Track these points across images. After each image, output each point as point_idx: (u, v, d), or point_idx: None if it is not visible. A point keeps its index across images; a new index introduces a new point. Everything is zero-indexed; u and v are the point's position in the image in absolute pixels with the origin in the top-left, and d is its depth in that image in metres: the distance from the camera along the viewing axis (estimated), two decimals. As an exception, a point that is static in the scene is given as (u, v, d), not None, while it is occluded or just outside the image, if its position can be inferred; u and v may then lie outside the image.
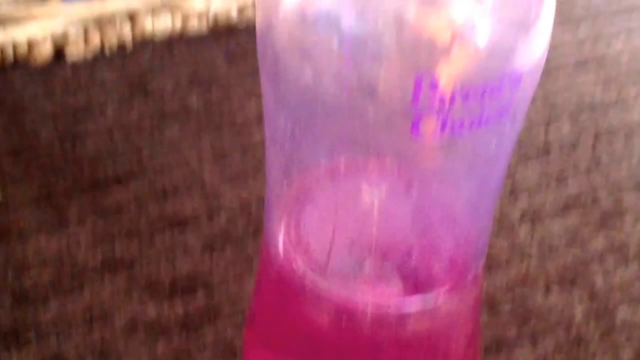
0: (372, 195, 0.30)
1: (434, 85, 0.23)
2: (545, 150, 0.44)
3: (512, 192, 0.42)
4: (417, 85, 0.23)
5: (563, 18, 0.54)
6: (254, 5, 0.52)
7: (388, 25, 0.24)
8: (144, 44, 0.50)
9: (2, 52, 0.47)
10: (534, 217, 0.41)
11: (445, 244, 0.31)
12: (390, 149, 0.27)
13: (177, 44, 0.50)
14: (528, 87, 0.26)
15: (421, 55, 0.24)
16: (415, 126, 0.24)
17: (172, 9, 0.50)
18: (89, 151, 0.43)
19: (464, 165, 0.28)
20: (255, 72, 0.47)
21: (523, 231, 0.40)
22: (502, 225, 0.40)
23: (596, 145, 0.45)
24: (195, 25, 0.51)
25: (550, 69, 0.49)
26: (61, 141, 0.43)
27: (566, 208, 0.42)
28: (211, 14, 0.51)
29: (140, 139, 0.44)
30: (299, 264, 0.30)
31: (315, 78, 0.25)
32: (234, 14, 0.51)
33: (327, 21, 0.24)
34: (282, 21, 0.25)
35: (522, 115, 0.27)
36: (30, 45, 0.47)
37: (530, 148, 0.44)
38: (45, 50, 0.47)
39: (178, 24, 0.50)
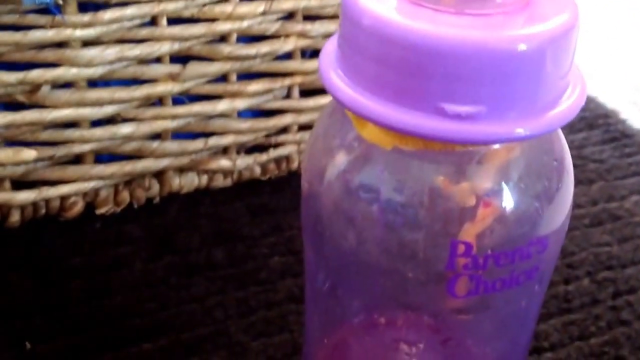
0: (407, 349, 0.32)
1: (467, 250, 0.26)
2: (566, 307, 0.47)
3: (535, 348, 0.44)
4: (452, 250, 0.26)
5: (576, 180, 0.57)
6: (276, 162, 0.55)
7: (424, 195, 0.27)
8: (170, 199, 0.53)
9: (35, 209, 0.50)
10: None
11: None
12: (426, 307, 0.30)
13: (202, 199, 0.54)
14: (553, 249, 0.29)
15: (456, 222, 0.27)
16: (450, 287, 0.27)
17: (198, 168, 0.53)
18: (117, 306, 0.45)
19: (495, 322, 0.31)
20: (278, 227, 0.50)
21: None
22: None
23: (616, 303, 0.47)
24: (220, 181, 0.54)
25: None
26: (89, 296, 0.46)
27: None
28: (236, 171, 0.54)
29: (166, 293, 0.46)
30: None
31: (356, 242, 0.28)
32: (257, 170, 0.55)
33: (368, 192, 0.28)
34: (326, 190, 0.28)
35: (549, 274, 0.30)
36: (63, 201, 0.50)
37: (551, 305, 0.46)
38: (76, 207, 0.51)
39: (204, 181, 0.54)
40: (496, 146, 0.26)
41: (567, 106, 0.25)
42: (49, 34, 0.45)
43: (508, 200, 0.27)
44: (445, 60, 0.24)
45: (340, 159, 0.28)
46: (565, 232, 0.29)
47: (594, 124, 0.64)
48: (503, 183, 0.27)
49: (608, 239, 0.52)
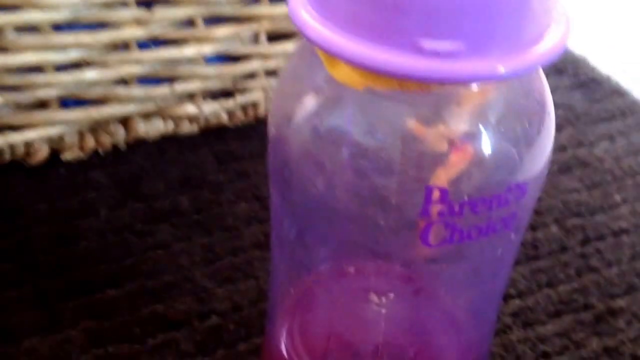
0: (377, 299, 0.30)
1: (443, 197, 0.24)
2: (534, 254, 0.45)
3: (503, 296, 0.42)
4: (427, 197, 0.24)
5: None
6: (242, 109, 0.53)
7: (397, 139, 0.25)
8: (136, 146, 0.51)
9: (-1, 154, 0.48)
10: (526, 320, 0.42)
11: (449, 349, 0.32)
12: (398, 256, 0.28)
13: (168, 145, 0.51)
14: (532, 195, 0.27)
15: (430, 167, 0.25)
16: (424, 236, 0.25)
17: (164, 114, 0.51)
18: (82, 252, 0.43)
19: (469, 271, 0.29)
20: (244, 174, 0.49)
21: (515, 335, 0.41)
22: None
23: (585, 250, 0.46)
24: (186, 128, 0.52)
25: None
26: (55, 242, 0.44)
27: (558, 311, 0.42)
28: (202, 117, 0.52)
29: (132, 240, 0.44)
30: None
31: (325, 188, 0.26)
32: (224, 116, 0.52)
33: (337, 135, 0.25)
34: (293, 133, 0.26)
35: (526, 222, 0.28)
36: (27, 147, 0.48)
37: (519, 253, 0.45)
38: (41, 153, 0.48)
39: (170, 127, 0.51)
40: (475, 86, 0.24)
41: (552, 44, 0.23)
42: (13, -23, 0.43)
43: (486, 144, 0.25)
44: (423, -7, 0.21)
45: (309, 101, 0.26)
46: (544, 177, 0.27)
47: (562, 70, 0.62)
48: (481, 126, 0.25)
49: (577, 186, 0.51)
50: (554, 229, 0.47)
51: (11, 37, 0.44)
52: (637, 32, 0.70)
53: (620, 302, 0.43)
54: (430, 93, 0.24)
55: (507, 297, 0.42)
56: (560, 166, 0.52)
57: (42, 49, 0.45)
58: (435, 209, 0.24)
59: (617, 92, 0.60)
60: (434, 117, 0.25)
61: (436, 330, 0.31)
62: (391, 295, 0.30)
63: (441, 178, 0.25)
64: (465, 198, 0.24)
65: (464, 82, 0.23)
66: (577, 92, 0.60)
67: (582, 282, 0.44)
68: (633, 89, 0.61)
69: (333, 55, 0.23)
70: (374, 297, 0.30)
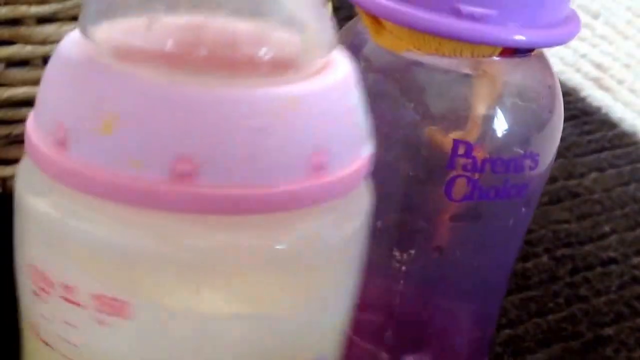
0: (399, 256, 0.35)
1: (468, 151, 0.30)
2: (525, 284, 0.49)
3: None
4: (454, 150, 0.30)
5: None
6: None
7: (430, 96, 0.31)
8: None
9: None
10: (516, 349, 0.45)
11: (460, 319, 0.37)
12: (423, 209, 0.33)
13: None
14: (543, 171, 0.33)
15: (460, 124, 0.31)
16: (448, 189, 0.31)
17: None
18: None
19: (484, 236, 0.34)
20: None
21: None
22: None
23: (574, 279, 0.50)
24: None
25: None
26: None
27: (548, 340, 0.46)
28: None
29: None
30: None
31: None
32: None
33: (377, 90, 0.31)
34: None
35: (535, 200, 0.34)
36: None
37: (509, 282, 0.49)
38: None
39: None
40: (498, 60, 0.31)
41: (567, 29, 0.30)
42: (3, 11, 0.45)
43: (507, 111, 0.31)
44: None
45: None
46: (553, 158, 0.33)
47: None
48: (504, 95, 0.31)
49: (567, 216, 0.55)
50: (544, 258, 0.51)
51: (2, 71, 0.47)
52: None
53: (609, 331, 0.47)
54: (462, 58, 0.30)
55: (498, 327, 0.45)
56: (550, 197, 0.56)
57: (33, 83, 0.48)
58: (460, 162, 0.30)
59: (608, 123, 0.66)
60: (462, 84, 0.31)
61: (450, 295, 0.36)
62: (412, 252, 0.35)
63: (468, 133, 0.31)
64: (487, 156, 0.31)
65: (494, 43, 0.30)
66: (567, 124, 0.64)
67: (572, 311, 0.48)
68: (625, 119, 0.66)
69: (381, 17, 0.29)
70: (396, 253, 0.35)
